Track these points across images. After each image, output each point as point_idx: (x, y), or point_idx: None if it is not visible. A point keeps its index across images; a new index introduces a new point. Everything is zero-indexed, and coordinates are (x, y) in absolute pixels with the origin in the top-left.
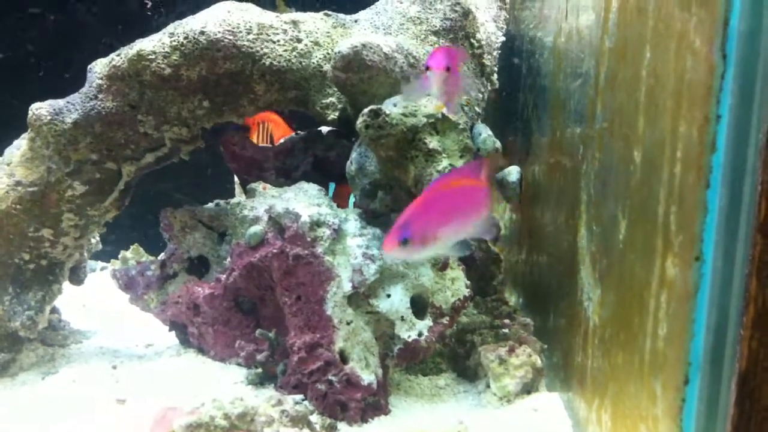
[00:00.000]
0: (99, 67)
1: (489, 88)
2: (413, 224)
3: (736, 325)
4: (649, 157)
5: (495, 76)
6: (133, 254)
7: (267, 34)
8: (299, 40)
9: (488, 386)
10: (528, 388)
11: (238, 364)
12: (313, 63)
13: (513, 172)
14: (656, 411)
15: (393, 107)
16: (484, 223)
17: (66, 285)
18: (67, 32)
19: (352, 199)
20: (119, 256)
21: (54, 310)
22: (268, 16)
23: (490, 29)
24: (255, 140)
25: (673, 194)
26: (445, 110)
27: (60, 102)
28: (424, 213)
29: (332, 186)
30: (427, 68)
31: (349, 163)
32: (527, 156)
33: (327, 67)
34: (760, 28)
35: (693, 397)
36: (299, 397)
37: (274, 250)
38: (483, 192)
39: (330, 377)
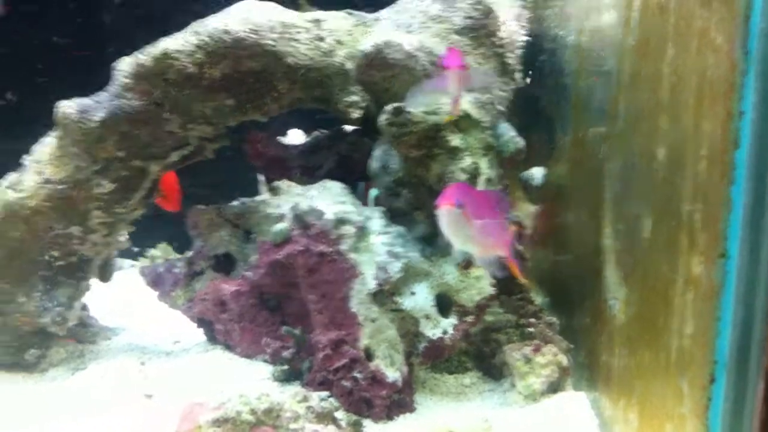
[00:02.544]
0: (124, 65)
1: (512, 86)
2: (466, 198)
3: (762, 323)
4: (673, 154)
5: (517, 75)
6: (161, 252)
7: (290, 33)
8: (322, 39)
9: (514, 385)
10: (554, 387)
11: (265, 361)
12: (336, 61)
13: (537, 175)
14: (683, 410)
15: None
16: (492, 259)
17: (94, 282)
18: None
19: (372, 194)
20: (147, 254)
21: (83, 307)
22: (290, 15)
23: (512, 28)
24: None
25: (698, 191)
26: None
27: (87, 100)
28: (471, 198)
29: (361, 185)
30: (444, 68)
31: (372, 161)
32: (550, 155)
33: (349, 65)
34: None
35: (719, 395)
36: (325, 393)
37: (299, 248)
38: (505, 241)
39: (355, 374)
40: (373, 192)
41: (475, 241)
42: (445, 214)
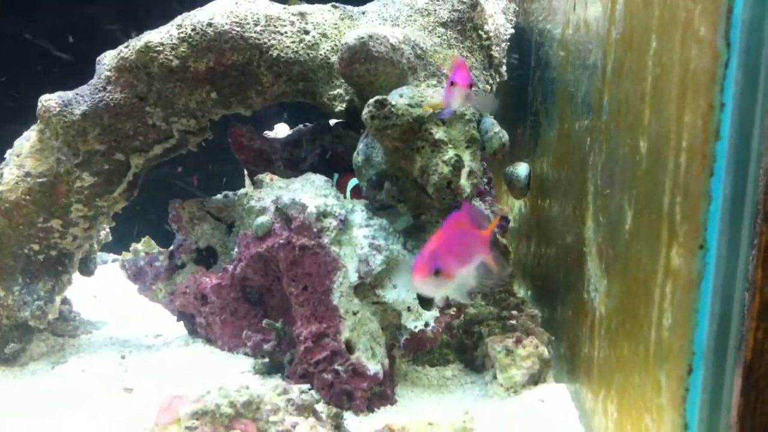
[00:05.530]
0: (107, 59)
1: (497, 79)
2: (441, 255)
3: (741, 315)
4: (655, 147)
5: (503, 68)
6: (144, 246)
7: (274, 26)
8: (307, 32)
9: (495, 377)
10: (535, 379)
11: (246, 354)
12: (321, 55)
13: (521, 170)
14: (661, 401)
15: (399, 98)
16: (485, 269)
17: (77, 276)
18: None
19: (349, 186)
20: (130, 248)
21: (64, 301)
22: (275, 8)
23: (498, 21)
24: None
25: (678, 184)
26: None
27: (69, 94)
28: (446, 247)
29: (336, 176)
30: (452, 84)
31: (355, 154)
32: (536, 148)
33: (334, 58)
34: (764, 17)
35: (697, 386)
36: (305, 386)
37: (281, 241)
38: (485, 240)
39: (336, 367)
40: (352, 182)
41: (467, 283)
42: (423, 284)
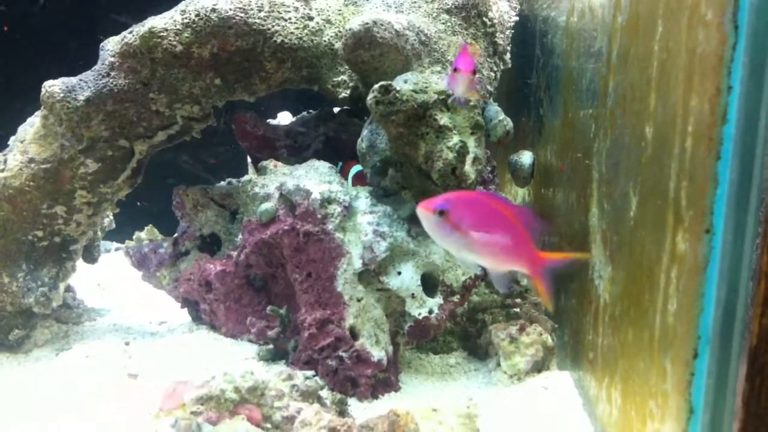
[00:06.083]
0: (111, 45)
1: (501, 67)
2: (457, 205)
3: (746, 300)
4: (661, 132)
5: (507, 56)
6: (147, 234)
7: (278, 12)
8: (311, 18)
9: (499, 364)
10: (538, 367)
11: (250, 341)
12: (325, 41)
13: (525, 159)
14: (666, 386)
15: (404, 84)
16: (503, 273)
17: (81, 264)
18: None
19: (351, 173)
20: (134, 237)
21: (69, 289)
22: None
23: (503, 8)
24: None
25: (684, 168)
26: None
27: (73, 79)
28: (471, 207)
29: (339, 163)
30: (455, 70)
31: (360, 140)
32: (540, 136)
33: (338, 44)
34: None
35: (702, 371)
36: (310, 372)
37: (285, 227)
38: (528, 257)
39: (340, 353)
40: (354, 169)
41: (476, 252)
42: (423, 218)
